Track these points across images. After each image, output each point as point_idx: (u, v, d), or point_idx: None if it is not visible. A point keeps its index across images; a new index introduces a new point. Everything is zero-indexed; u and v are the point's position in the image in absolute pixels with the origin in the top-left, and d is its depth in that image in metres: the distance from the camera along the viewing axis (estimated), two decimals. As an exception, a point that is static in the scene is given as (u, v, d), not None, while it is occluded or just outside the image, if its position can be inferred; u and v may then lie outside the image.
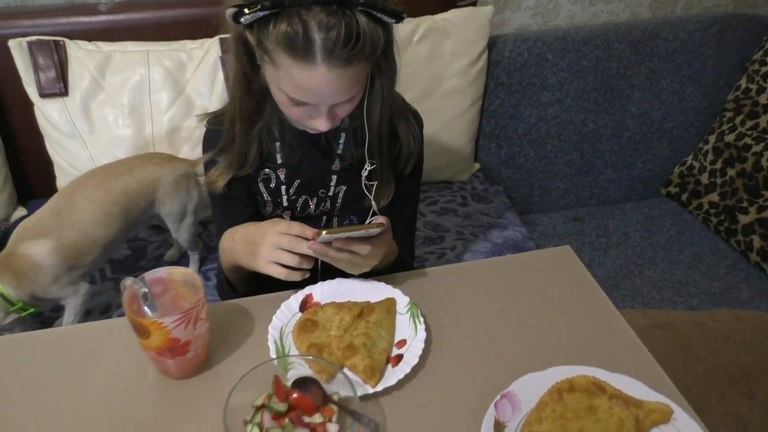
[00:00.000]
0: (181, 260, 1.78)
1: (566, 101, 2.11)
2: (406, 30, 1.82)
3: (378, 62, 1.00)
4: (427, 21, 1.85)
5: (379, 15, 0.91)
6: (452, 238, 1.85)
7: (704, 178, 2.17)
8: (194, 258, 1.74)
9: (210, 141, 1.20)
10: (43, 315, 1.59)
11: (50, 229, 1.42)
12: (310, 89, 0.94)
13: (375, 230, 0.97)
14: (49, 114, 1.73)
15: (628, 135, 2.23)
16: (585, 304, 1.08)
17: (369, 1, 0.89)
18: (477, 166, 2.16)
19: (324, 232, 0.94)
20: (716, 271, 1.99)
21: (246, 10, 0.88)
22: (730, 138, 2.11)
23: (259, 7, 0.87)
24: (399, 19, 0.93)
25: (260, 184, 1.21)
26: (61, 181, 1.82)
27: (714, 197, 2.13)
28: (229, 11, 0.91)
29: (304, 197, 1.23)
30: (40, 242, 1.41)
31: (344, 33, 0.88)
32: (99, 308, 1.60)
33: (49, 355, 1.00)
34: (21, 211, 1.89)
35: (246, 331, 1.02)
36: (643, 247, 2.11)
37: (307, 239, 0.98)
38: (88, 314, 1.57)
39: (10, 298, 1.38)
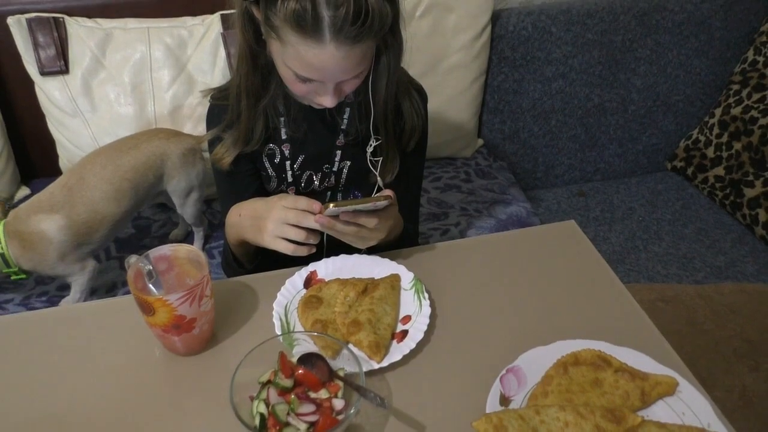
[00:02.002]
0: (187, 239, 1.78)
1: (571, 75, 2.09)
2: (408, 4, 1.80)
3: (385, 38, 1.00)
4: (430, -6, 1.82)
5: None
6: (456, 214, 1.85)
7: (710, 152, 2.16)
8: (199, 235, 1.75)
9: (214, 116, 1.19)
10: (48, 294, 1.59)
11: (62, 205, 1.43)
12: (317, 67, 0.94)
13: (382, 203, 0.97)
14: (50, 92, 1.72)
15: (633, 109, 2.21)
16: (590, 278, 1.08)
17: None
18: (480, 141, 2.15)
19: (331, 204, 0.94)
20: (722, 245, 1.99)
21: None
22: (736, 111, 2.09)
23: None
24: None
25: (265, 160, 1.20)
26: (64, 159, 1.82)
27: (720, 171, 2.11)
28: None
29: (308, 173, 1.22)
30: (53, 217, 1.42)
31: (353, 10, 0.87)
32: (104, 287, 1.61)
33: (55, 334, 1.00)
34: (24, 191, 1.89)
35: (251, 308, 1.02)
36: (649, 221, 2.11)
37: (314, 213, 0.97)
38: (93, 293, 1.58)
39: (9, 260, 1.40)
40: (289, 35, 0.91)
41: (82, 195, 1.45)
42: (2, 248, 1.38)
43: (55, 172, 1.84)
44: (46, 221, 1.41)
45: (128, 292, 0.93)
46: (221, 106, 1.16)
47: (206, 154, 1.60)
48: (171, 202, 1.67)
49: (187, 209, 1.66)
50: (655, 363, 0.88)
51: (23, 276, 1.45)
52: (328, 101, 1.01)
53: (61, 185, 1.47)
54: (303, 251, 1.01)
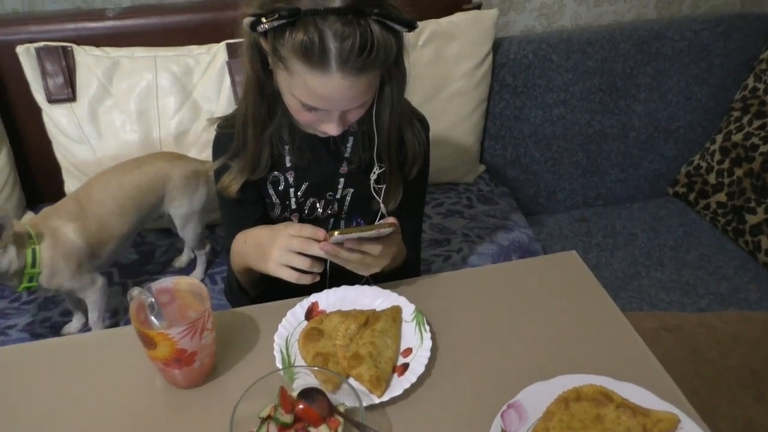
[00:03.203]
0: (190, 266, 1.78)
1: (571, 102, 2.10)
2: (411, 33, 1.80)
3: (389, 69, 1.02)
4: (432, 25, 1.84)
5: (392, 24, 0.92)
6: (458, 240, 1.85)
7: (711, 178, 2.16)
8: (201, 259, 1.75)
9: (220, 145, 1.20)
10: (51, 320, 1.60)
11: (77, 215, 1.48)
12: (323, 96, 0.96)
13: (387, 230, 0.98)
14: (57, 119, 1.74)
15: (634, 135, 2.22)
16: (592, 311, 1.08)
17: (383, 11, 0.90)
18: (482, 167, 2.15)
19: (336, 232, 0.95)
20: (724, 272, 1.98)
21: (264, 20, 0.90)
22: (737, 138, 2.10)
23: (276, 16, 0.89)
24: (411, 28, 0.95)
25: (269, 187, 1.22)
26: (70, 185, 1.83)
27: (721, 197, 2.12)
28: (247, 20, 0.92)
29: (312, 200, 1.23)
30: (72, 225, 1.46)
31: (359, 42, 0.89)
32: (107, 312, 1.61)
33: (57, 364, 1.01)
34: (29, 216, 1.90)
35: (252, 339, 1.03)
36: (651, 247, 2.10)
37: (318, 241, 0.98)
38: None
39: (38, 261, 1.40)
40: (296, 65, 0.93)
41: (91, 210, 1.49)
42: (34, 243, 1.39)
43: (60, 197, 1.84)
44: (67, 226, 1.45)
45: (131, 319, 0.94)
46: (227, 135, 1.17)
47: (210, 177, 1.62)
48: (173, 225, 1.68)
49: (187, 232, 1.67)
50: (657, 399, 0.88)
51: (33, 285, 1.44)
52: (332, 129, 1.03)
53: (73, 198, 1.52)
54: (307, 279, 1.02)
